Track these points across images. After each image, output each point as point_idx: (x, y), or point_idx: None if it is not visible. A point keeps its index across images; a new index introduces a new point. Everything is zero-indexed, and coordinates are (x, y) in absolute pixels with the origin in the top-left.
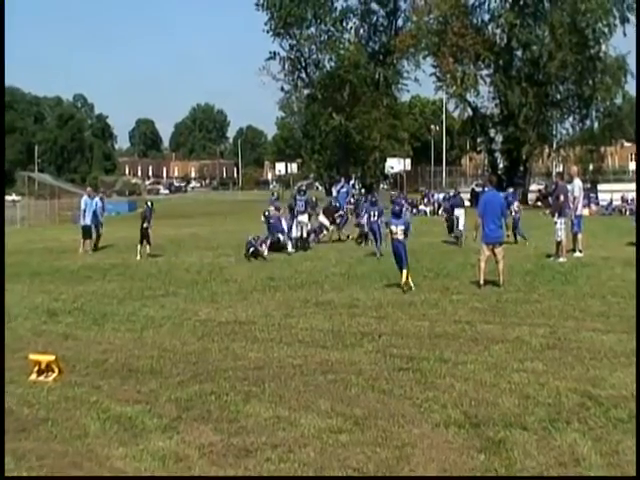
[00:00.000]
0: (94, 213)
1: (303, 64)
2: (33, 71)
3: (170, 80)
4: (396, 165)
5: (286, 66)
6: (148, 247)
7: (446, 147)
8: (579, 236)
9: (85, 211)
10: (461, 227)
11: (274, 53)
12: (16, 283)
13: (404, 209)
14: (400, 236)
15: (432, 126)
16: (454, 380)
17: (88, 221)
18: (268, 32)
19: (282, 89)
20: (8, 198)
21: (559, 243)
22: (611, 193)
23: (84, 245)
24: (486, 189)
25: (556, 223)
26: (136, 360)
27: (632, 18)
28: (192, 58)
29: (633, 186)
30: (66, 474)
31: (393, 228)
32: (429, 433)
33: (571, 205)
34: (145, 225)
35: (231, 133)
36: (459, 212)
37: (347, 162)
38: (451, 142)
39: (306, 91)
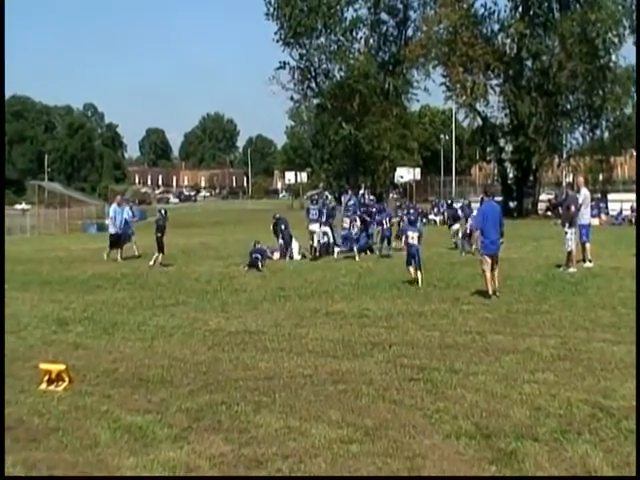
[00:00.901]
0: (126, 222)
1: (313, 74)
2: (44, 80)
3: (180, 89)
4: (406, 175)
5: (296, 76)
6: (161, 256)
7: (455, 157)
8: (587, 246)
9: (115, 219)
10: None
11: (284, 63)
12: (26, 292)
13: (419, 218)
14: (415, 241)
15: (442, 136)
16: (465, 391)
17: (116, 230)
18: (278, 42)
19: (292, 98)
20: (17, 207)
21: (569, 253)
22: (621, 203)
23: (111, 254)
24: (485, 200)
25: (566, 233)
26: (146, 369)
27: None
28: (202, 67)
29: None
30: None
31: (410, 234)
32: (440, 444)
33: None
34: (159, 234)
35: (241, 142)
36: (457, 226)
37: (356, 172)
38: (460, 152)
39: (316, 101)
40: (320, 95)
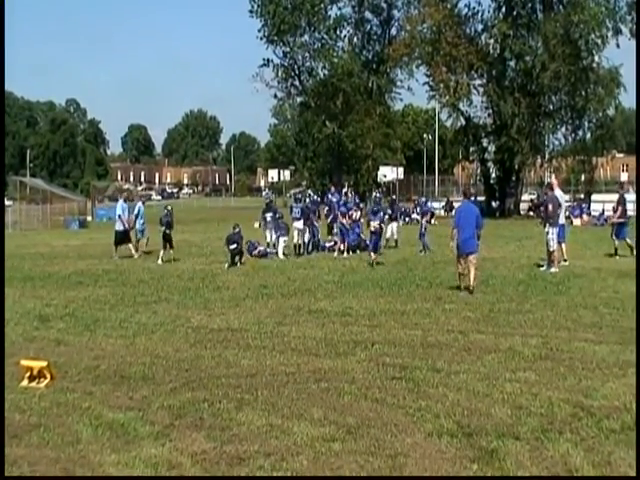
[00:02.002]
0: (136, 218)
1: (296, 72)
2: (26, 75)
3: (163, 86)
4: (389, 173)
5: (279, 73)
6: (171, 251)
7: (439, 156)
8: (562, 245)
9: (121, 216)
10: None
11: (267, 60)
12: (8, 288)
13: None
14: (377, 229)
15: (425, 135)
16: (447, 390)
17: (122, 226)
18: (262, 39)
19: (275, 96)
20: None
21: (551, 253)
22: (603, 204)
23: (118, 251)
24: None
25: (547, 233)
26: (128, 366)
27: (625, 30)
28: (186, 64)
29: (626, 197)
30: None
31: (372, 223)
32: (422, 442)
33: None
34: (166, 230)
35: (224, 140)
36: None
37: (340, 170)
38: (444, 151)
39: (299, 99)
40: (304, 93)
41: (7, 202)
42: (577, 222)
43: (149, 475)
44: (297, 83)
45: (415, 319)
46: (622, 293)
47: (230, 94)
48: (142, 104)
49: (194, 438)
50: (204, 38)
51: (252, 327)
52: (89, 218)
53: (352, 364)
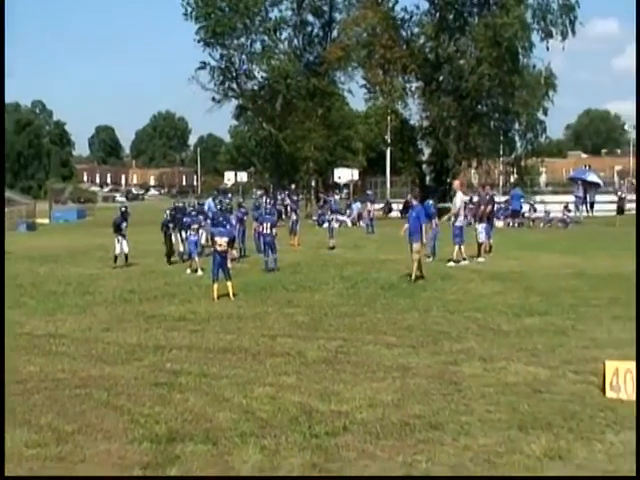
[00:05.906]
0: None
1: (233, 74)
2: None
3: (131, 87)
4: (343, 175)
5: (215, 76)
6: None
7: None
8: (462, 247)
9: None
10: None
11: (204, 63)
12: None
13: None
14: (224, 248)
15: (386, 137)
16: (193, 395)
17: None
18: (199, 42)
19: (213, 99)
20: None
21: (480, 245)
22: (544, 204)
23: None
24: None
25: (477, 229)
26: None
27: (555, 32)
28: (155, 65)
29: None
30: None
31: (217, 239)
32: (114, 450)
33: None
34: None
35: (192, 141)
36: None
37: (279, 172)
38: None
39: (236, 101)
40: (241, 96)
41: None
42: (499, 224)
43: None
44: (234, 85)
45: (242, 324)
46: (486, 295)
47: (199, 95)
48: (110, 105)
49: None
50: (173, 39)
51: (75, 333)
52: (43, 220)
53: (131, 371)
